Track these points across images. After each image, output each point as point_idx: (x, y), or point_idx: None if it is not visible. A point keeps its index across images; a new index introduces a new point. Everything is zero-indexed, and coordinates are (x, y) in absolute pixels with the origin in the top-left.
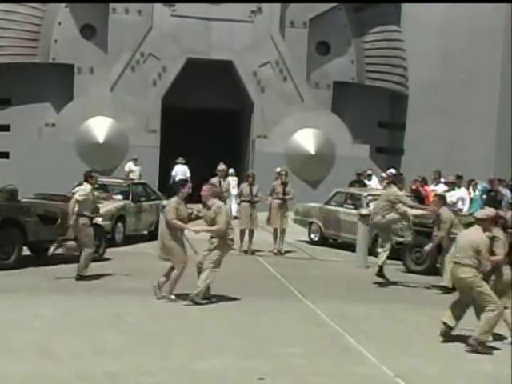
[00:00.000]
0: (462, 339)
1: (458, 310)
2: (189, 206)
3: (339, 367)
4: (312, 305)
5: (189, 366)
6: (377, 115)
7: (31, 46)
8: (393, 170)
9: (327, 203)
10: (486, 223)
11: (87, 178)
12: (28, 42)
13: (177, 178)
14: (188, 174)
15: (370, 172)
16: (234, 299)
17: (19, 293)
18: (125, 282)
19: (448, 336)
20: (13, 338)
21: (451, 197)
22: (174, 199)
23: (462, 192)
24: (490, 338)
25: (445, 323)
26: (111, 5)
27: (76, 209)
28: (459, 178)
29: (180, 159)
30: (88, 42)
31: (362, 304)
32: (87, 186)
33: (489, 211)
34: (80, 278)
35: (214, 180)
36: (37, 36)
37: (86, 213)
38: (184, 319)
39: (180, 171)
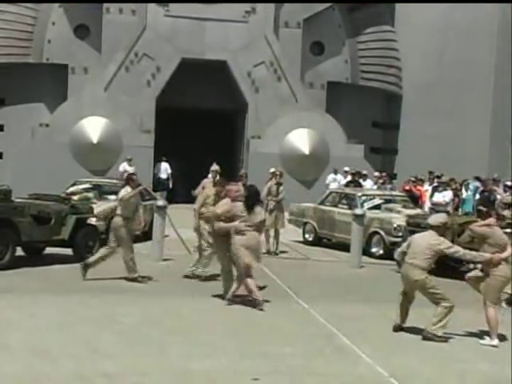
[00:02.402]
0: (457, 340)
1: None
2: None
3: (334, 367)
4: (306, 305)
5: (185, 366)
6: (371, 115)
7: (25, 46)
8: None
9: (321, 203)
10: (440, 229)
11: (128, 180)
12: (22, 41)
13: (158, 175)
14: (169, 171)
15: (365, 172)
16: (229, 299)
17: (14, 293)
18: (120, 283)
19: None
20: (8, 339)
21: (445, 197)
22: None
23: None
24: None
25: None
26: (105, 5)
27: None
28: (437, 177)
29: (163, 158)
30: (82, 42)
31: (357, 304)
32: (128, 189)
33: (442, 217)
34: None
35: (207, 180)
36: (30, 36)
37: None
38: (179, 320)
39: (160, 169)
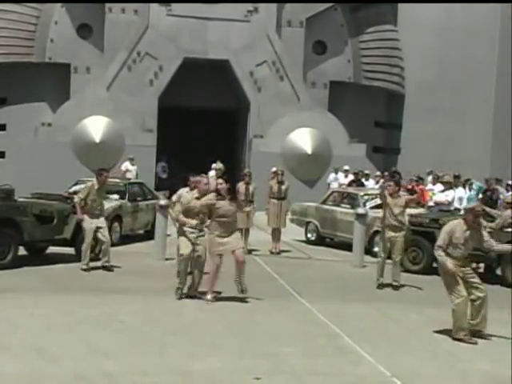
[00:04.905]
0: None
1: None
2: None
3: (336, 367)
4: (309, 304)
5: (185, 365)
6: (373, 115)
7: (27, 46)
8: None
9: (324, 203)
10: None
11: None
12: (24, 41)
13: (159, 175)
14: (166, 170)
15: (367, 171)
16: (231, 299)
17: (15, 292)
18: (121, 282)
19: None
20: (9, 338)
21: (447, 196)
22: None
23: (460, 192)
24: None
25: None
26: (107, 4)
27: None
28: (456, 177)
29: (163, 157)
30: (84, 42)
31: (359, 303)
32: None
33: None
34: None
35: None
36: (33, 35)
37: None
38: (180, 319)
39: (159, 169)
